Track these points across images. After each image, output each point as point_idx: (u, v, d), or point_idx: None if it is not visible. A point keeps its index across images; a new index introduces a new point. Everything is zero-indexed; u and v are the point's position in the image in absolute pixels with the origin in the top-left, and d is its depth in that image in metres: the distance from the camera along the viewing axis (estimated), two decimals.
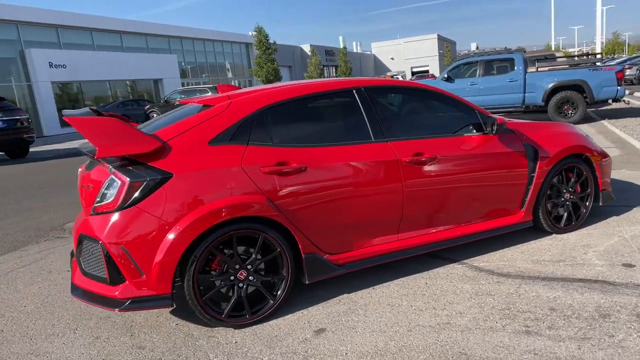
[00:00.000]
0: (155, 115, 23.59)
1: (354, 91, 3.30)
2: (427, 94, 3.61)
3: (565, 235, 3.90)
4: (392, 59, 71.45)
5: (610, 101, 10.55)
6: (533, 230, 3.94)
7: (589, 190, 4.00)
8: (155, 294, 2.68)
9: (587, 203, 4.02)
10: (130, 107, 25.97)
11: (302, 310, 3.03)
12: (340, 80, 3.41)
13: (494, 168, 3.52)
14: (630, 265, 3.22)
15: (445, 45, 70.58)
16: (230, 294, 2.87)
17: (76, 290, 2.86)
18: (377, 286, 3.29)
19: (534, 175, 3.68)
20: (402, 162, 3.20)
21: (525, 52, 12.19)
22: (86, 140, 3.63)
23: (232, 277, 2.84)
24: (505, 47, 12.55)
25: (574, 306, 2.76)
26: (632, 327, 2.50)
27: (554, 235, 3.92)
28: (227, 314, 2.83)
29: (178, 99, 22.48)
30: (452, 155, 3.37)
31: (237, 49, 44.95)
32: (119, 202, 2.61)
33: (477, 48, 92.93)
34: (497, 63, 11.32)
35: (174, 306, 2.78)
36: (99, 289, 2.73)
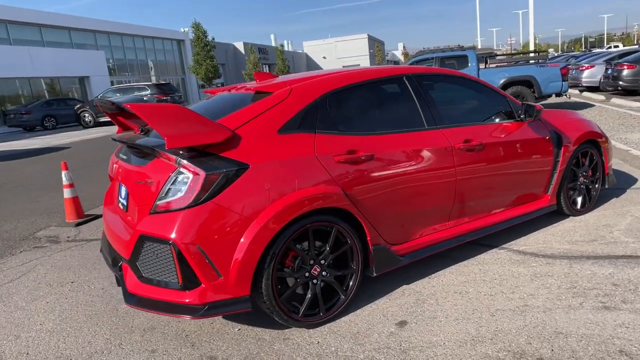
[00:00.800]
0: (87, 115, 22.04)
1: (405, 78, 3.25)
2: (465, 81, 3.65)
3: (582, 217, 4.11)
4: (325, 58, 72.15)
5: (554, 95, 11.36)
6: (550, 215, 4.10)
7: (598, 174, 4.25)
8: (234, 297, 2.46)
9: (597, 186, 4.26)
10: (56, 107, 24.09)
11: (369, 305, 2.94)
12: (390, 67, 3.35)
13: (529, 154, 3.63)
14: None
15: (376, 45, 72.44)
16: (302, 291, 2.71)
17: (132, 298, 2.56)
18: (433, 275, 3.26)
19: (558, 161, 3.84)
20: (455, 148, 3.19)
21: (476, 49, 12.78)
22: (117, 131, 3.30)
23: (307, 274, 2.67)
24: (459, 45, 13.08)
25: (633, 281, 2.91)
26: None
27: (571, 217, 4.12)
28: (304, 313, 2.67)
29: (113, 98, 21.18)
30: (494, 142, 3.42)
31: (168, 46, 43.16)
32: (193, 197, 2.36)
33: (404, 48, 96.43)
34: (451, 60, 11.76)
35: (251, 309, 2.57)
36: (167, 295, 2.46)
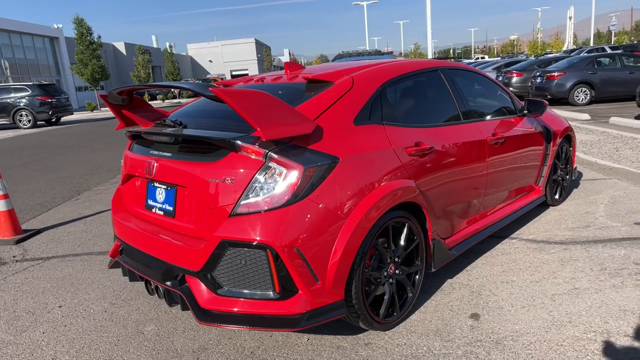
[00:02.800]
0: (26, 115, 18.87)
1: (440, 72, 3.27)
2: (481, 77, 3.78)
3: (561, 207, 4.50)
4: (211, 61, 70.39)
5: None
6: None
7: (569, 166, 4.69)
8: (330, 303, 2.24)
9: (569, 177, 4.70)
10: None
11: (428, 301, 2.88)
12: (426, 60, 3.35)
13: (531, 147, 3.88)
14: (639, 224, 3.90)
15: (264, 50, 72.43)
16: (378, 292, 2.56)
17: (207, 315, 2.20)
18: (468, 268, 3.31)
19: (548, 154, 4.16)
20: (487, 142, 3.29)
21: (392, 53, 13.38)
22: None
23: (385, 273, 2.54)
24: (376, 49, 13.56)
25: None
26: None
27: (552, 207, 4.48)
28: (384, 314, 2.53)
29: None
30: (510, 136, 3.59)
31: (39, 44, 38.63)
32: (290, 194, 2.10)
33: (291, 54, 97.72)
34: None
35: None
36: (256, 307, 2.15)
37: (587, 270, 3.13)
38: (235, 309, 2.17)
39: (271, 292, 2.14)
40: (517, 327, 2.53)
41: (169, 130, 2.51)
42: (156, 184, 2.57)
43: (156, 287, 2.52)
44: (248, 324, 2.17)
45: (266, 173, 2.13)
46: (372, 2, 36.47)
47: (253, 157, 2.16)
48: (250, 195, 2.14)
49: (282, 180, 2.11)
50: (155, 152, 2.55)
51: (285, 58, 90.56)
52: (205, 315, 2.20)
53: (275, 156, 2.12)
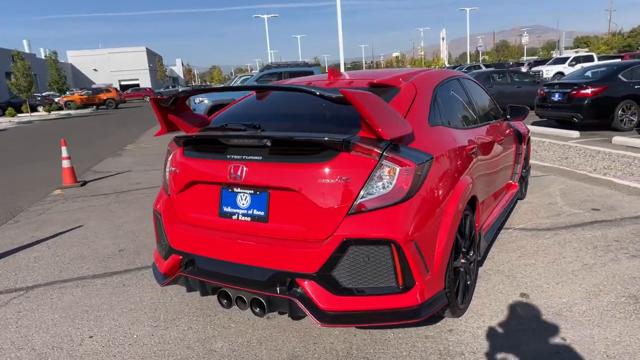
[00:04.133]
0: None
1: (458, 79, 3.59)
2: (476, 84, 4.18)
3: (527, 199, 5.11)
4: (96, 70, 65.20)
5: None
6: None
7: (528, 164, 5.34)
8: (436, 293, 2.38)
9: (527, 174, 5.36)
10: None
11: (477, 287, 3.14)
12: (448, 70, 3.64)
13: (512, 147, 4.39)
14: (597, 209, 4.61)
15: (157, 60, 68.96)
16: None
17: (328, 316, 2.20)
18: (489, 256, 3.66)
19: (521, 153, 4.73)
20: (497, 141, 3.68)
21: (319, 65, 13.72)
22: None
23: (459, 263, 2.74)
24: (304, 61, 13.84)
25: (623, 236, 3.86)
26: None
27: (519, 201, 5.08)
28: (460, 301, 2.72)
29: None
30: (505, 136, 4.04)
31: None
32: (406, 190, 2.22)
33: (184, 64, 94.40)
34: (299, 74, 12.44)
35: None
36: (378, 303, 2.22)
37: (584, 250, 3.65)
38: (358, 307, 2.21)
39: (394, 286, 2.22)
40: (564, 300, 2.90)
41: (269, 132, 2.45)
42: (237, 189, 2.49)
43: (238, 297, 2.43)
44: (371, 320, 2.22)
45: (381, 171, 2.22)
46: (272, 15, 36.90)
47: (367, 156, 2.23)
48: (368, 193, 2.21)
49: (397, 177, 2.22)
50: (237, 157, 2.47)
51: (178, 68, 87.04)
52: (326, 317, 2.20)
53: (390, 155, 2.23)
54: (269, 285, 2.31)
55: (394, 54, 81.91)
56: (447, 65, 42.18)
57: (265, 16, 35.94)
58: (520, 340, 2.52)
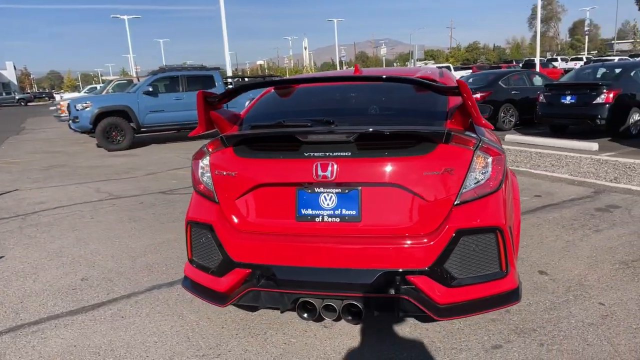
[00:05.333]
0: None
1: None
2: None
3: None
4: None
5: None
6: None
7: None
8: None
9: None
10: None
11: None
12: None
13: None
14: (539, 196, 5.25)
15: None
16: None
17: (445, 311, 2.16)
18: None
19: None
20: None
21: (219, 69, 13.04)
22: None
23: None
24: (202, 65, 13.03)
25: (575, 216, 4.47)
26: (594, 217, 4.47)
27: None
28: None
29: None
30: None
31: None
32: (499, 179, 2.31)
33: (17, 68, 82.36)
34: (198, 79, 11.80)
35: None
36: (485, 290, 2.25)
37: (557, 229, 4.15)
38: (469, 297, 2.21)
39: (499, 271, 2.27)
40: (576, 272, 3.27)
41: (360, 127, 2.33)
42: (319, 190, 2.31)
43: (326, 306, 2.26)
44: (480, 308, 2.25)
45: (477, 161, 2.26)
46: (134, 17, 34.09)
47: (464, 147, 2.26)
48: (470, 183, 2.24)
49: (491, 167, 2.28)
50: (319, 154, 2.29)
51: (10, 73, 75.61)
52: (442, 311, 2.18)
53: (485, 145, 2.29)
54: (375, 286, 2.19)
55: (258, 62, 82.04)
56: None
57: (126, 17, 33.15)
58: (569, 311, 2.76)
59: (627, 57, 22.14)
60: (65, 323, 2.99)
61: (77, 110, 11.05)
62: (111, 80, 19.04)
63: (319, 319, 2.33)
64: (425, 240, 2.19)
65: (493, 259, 2.26)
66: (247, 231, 2.41)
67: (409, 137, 2.27)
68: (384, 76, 2.49)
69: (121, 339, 2.76)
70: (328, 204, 2.31)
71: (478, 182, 2.26)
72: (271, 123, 2.56)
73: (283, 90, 3.08)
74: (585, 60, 34.93)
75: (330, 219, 2.31)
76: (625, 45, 59.36)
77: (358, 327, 2.70)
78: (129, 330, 2.84)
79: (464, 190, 2.23)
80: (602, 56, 38.18)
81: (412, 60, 42.56)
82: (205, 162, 2.58)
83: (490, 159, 2.30)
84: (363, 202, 2.28)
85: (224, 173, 2.46)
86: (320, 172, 2.26)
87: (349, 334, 2.65)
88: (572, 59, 38.18)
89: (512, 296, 2.31)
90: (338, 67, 51.83)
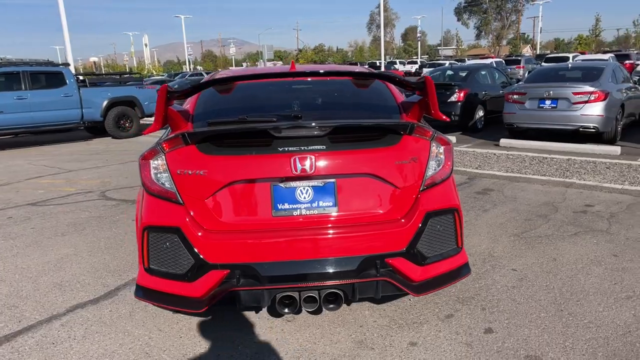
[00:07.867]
0: None
1: None
2: None
3: None
4: None
5: None
6: None
7: None
8: None
9: None
10: None
11: None
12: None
13: None
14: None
15: None
16: None
17: (422, 287, 2.43)
18: None
19: None
20: None
21: (68, 65, 11.43)
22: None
23: None
24: (48, 59, 11.23)
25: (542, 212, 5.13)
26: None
27: None
28: None
29: None
30: None
31: None
32: (451, 165, 2.60)
33: None
34: (43, 76, 10.34)
35: None
36: (447, 265, 2.54)
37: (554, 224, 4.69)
38: (438, 272, 2.45)
39: (456, 247, 2.55)
40: (484, 246, 3.79)
41: (333, 122, 2.40)
42: (294, 184, 2.32)
43: (307, 297, 2.31)
44: (447, 281, 2.51)
45: (434, 150, 2.52)
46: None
47: (424, 137, 2.49)
48: (431, 170, 2.48)
49: (444, 155, 2.55)
50: (294, 148, 2.30)
51: None
52: (419, 288, 2.37)
53: (438, 136, 2.55)
54: (360, 271, 2.29)
55: (92, 59, 73.50)
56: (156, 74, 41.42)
57: None
58: (493, 279, 3.21)
59: (454, 62, 25.58)
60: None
61: None
62: None
63: (299, 311, 2.35)
64: (400, 223, 2.36)
65: (452, 236, 2.54)
66: (221, 231, 2.31)
67: (377, 130, 2.42)
68: (357, 71, 2.61)
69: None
70: (305, 197, 2.34)
71: (436, 169, 2.51)
72: (233, 119, 2.48)
73: (224, 87, 2.97)
74: (419, 63, 39.44)
75: (308, 212, 2.34)
76: (450, 51, 68.48)
77: (322, 317, 2.77)
78: (70, 356, 2.48)
79: (427, 176, 2.46)
80: (432, 60, 43.38)
81: (262, 61, 43.11)
82: (158, 161, 2.39)
83: (442, 148, 2.56)
84: (339, 193, 2.36)
85: (189, 172, 2.31)
86: (299, 166, 2.28)
87: (315, 324, 2.70)
88: (409, 62, 42.71)
89: (466, 269, 2.62)
90: (187, 66, 50.01)
